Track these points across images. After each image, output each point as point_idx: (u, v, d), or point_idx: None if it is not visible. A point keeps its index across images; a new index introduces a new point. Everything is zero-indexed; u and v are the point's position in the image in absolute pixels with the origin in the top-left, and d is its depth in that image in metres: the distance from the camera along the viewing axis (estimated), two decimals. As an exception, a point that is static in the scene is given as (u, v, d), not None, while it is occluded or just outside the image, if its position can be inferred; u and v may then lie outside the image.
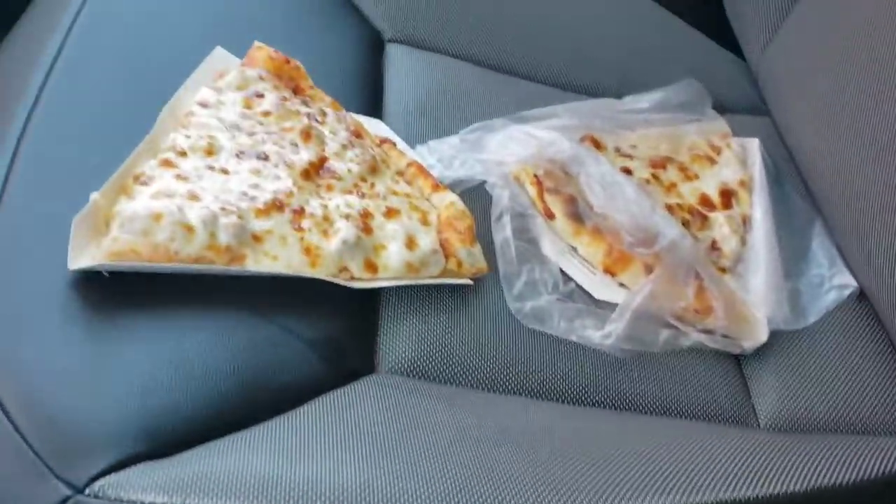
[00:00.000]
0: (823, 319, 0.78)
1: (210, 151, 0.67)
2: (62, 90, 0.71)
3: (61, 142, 0.67)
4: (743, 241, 0.83)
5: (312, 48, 0.87)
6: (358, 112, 0.83)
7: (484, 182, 0.79)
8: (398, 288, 0.68)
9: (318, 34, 0.89)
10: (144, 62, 0.77)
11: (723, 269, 0.80)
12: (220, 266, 0.61)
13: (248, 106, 0.73)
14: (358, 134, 0.76)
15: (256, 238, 0.63)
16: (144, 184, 0.63)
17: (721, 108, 0.99)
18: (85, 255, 0.58)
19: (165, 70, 0.76)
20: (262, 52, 0.77)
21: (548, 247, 0.77)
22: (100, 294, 0.57)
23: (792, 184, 0.92)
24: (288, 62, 0.77)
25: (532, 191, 0.79)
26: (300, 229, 0.65)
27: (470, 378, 0.67)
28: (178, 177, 0.64)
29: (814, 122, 0.88)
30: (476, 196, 0.79)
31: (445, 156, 0.80)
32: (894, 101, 0.75)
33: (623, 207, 0.75)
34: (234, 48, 0.79)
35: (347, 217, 0.67)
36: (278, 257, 0.63)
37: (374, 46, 0.91)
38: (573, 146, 0.77)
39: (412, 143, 0.81)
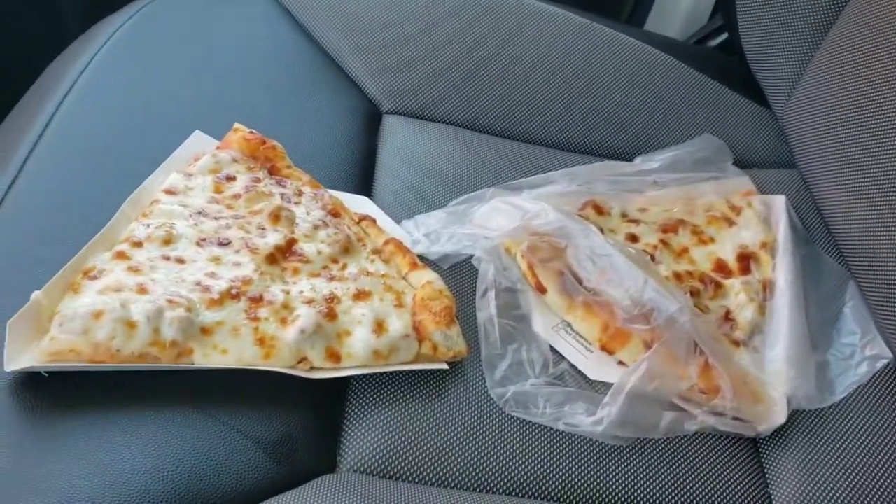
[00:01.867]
0: (853, 395, 0.70)
1: (168, 241, 0.65)
2: (37, 179, 0.70)
3: (25, 235, 0.66)
4: (762, 310, 0.75)
5: (308, 123, 0.85)
6: (348, 187, 0.80)
7: (472, 256, 0.75)
8: (368, 376, 0.64)
9: (314, 109, 0.87)
10: (128, 147, 0.76)
11: (736, 343, 0.73)
12: (165, 363, 0.58)
13: (217, 190, 0.71)
14: (335, 212, 0.73)
15: (205, 331, 0.60)
16: (94, 278, 0.61)
17: (746, 163, 0.92)
18: (23, 356, 0.56)
19: (148, 155, 0.75)
20: (237, 133, 0.76)
21: (538, 323, 0.71)
22: (36, 396, 0.55)
23: (823, 242, 0.84)
24: (264, 142, 0.75)
25: (523, 264, 0.74)
26: (256, 319, 0.61)
27: (443, 476, 0.61)
28: (130, 269, 0.62)
29: (838, 177, 0.80)
30: (464, 271, 0.74)
31: (432, 230, 0.76)
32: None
33: (615, 282, 0.69)
34: (226, 127, 0.78)
35: (311, 302, 0.64)
36: (228, 350, 0.60)
37: (371, 119, 0.89)
38: (560, 217, 0.72)
39: (403, 218, 0.78)
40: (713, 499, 0.65)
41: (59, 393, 0.56)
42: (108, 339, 0.57)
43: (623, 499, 0.64)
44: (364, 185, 0.82)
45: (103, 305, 0.58)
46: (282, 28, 0.93)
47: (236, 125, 0.77)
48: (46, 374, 0.56)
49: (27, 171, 0.70)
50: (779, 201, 0.86)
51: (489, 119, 0.91)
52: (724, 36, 1.14)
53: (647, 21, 1.34)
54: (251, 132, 0.76)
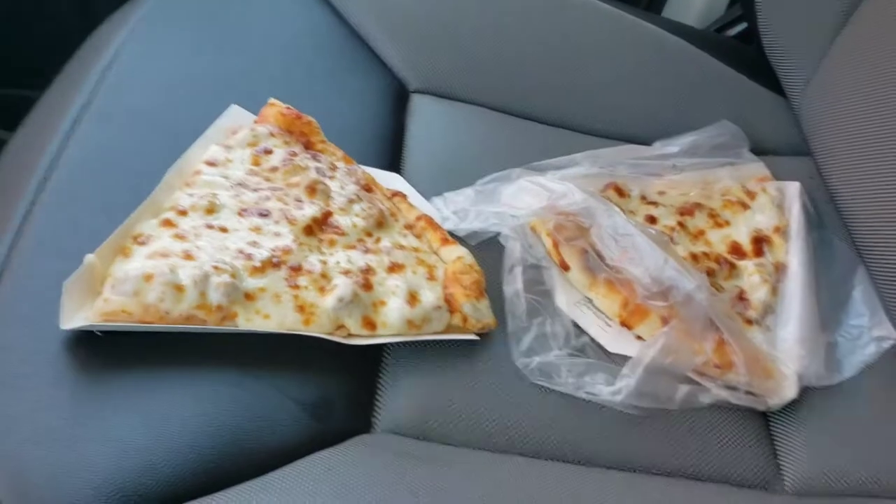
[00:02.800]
0: (860, 374, 0.74)
1: (211, 210, 0.68)
2: (81, 150, 0.73)
3: (73, 202, 0.68)
4: (774, 291, 0.78)
5: (337, 101, 0.88)
6: (378, 164, 0.83)
7: (499, 234, 0.78)
8: (402, 344, 0.67)
9: (343, 87, 0.90)
10: (167, 120, 0.78)
11: (749, 321, 0.76)
12: (211, 325, 0.61)
13: (256, 163, 0.74)
14: (368, 188, 0.76)
15: (249, 296, 0.63)
16: (143, 244, 0.64)
17: (762, 150, 0.95)
18: (78, 316, 0.59)
19: (186, 128, 0.77)
20: (274, 108, 0.78)
21: (561, 299, 0.74)
22: (90, 353, 0.58)
23: (835, 228, 0.87)
24: (299, 117, 0.78)
25: (547, 242, 0.77)
26: (296, 286, 0.64)
27: (470, 437, 0.65)
28: (176, 236, 0.65)
29: (851, 165, 0.83)
30: (491, 248, 0.77)
31: (460, 207, 0.79)
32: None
33: (636, 260, 0.72)
34: (259, 102, 0.80)
35: (347, 273, 0.67)
36: (270, 315, 0.63)
37: (399, 97, 0.91)
38: (585, 198, 0.75)
39: (431, 195, 0.81)
40: (725, 468, 0.68)
41: (111, 351, 0.59)
42: (157, 301, 0.60)
43: (637, 465, 0.67)
44: (394, 162, 0.84)
45: (153, 269, 0.60)
46: (313, 7, 0.95)
47: (271, 100, 0.80)
48: (100, 334, 0.59)
49: (73, 143, 0.73)
50: (793, 187, 0.89)
51: (511, 101, 0.93)
52: (743, 26, 1.17)
53: (664, 9, 1.37)
54: (287, 107, 0.78)
